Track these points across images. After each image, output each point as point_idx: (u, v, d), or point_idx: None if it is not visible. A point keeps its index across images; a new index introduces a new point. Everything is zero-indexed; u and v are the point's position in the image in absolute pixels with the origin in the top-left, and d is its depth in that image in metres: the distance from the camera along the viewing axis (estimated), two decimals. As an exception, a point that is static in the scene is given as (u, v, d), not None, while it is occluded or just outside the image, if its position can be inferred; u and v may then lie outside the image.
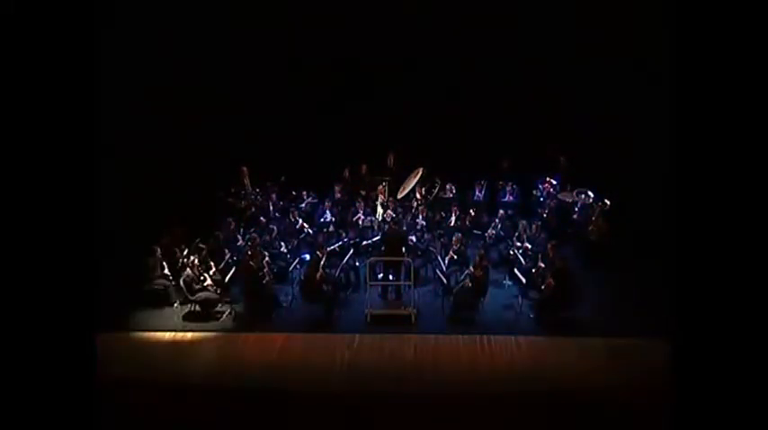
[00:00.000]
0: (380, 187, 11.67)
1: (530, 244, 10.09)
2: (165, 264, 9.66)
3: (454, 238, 9.95)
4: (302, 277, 9.48)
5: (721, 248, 4.65)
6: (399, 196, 11.63)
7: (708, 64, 4.76)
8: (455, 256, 9.76)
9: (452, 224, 10.89)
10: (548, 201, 11.50)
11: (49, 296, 4.53)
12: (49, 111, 4.62)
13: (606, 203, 10.75)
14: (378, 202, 11.41)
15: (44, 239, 4.54)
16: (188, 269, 9.30)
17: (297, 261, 10.01)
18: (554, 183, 11.65)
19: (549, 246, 9.46)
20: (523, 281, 9.32)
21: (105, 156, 6.16)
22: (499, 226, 10.67)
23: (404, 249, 9.73)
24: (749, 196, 4.62)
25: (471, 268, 9.14)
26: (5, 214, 4.46)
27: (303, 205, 11.44)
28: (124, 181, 10.10)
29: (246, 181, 11.81)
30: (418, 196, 11.47)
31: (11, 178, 4.50)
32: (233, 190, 11.58)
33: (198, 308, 9.28)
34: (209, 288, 9.28)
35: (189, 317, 9.26)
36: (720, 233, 4.66)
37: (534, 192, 11.78)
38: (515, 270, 9.54)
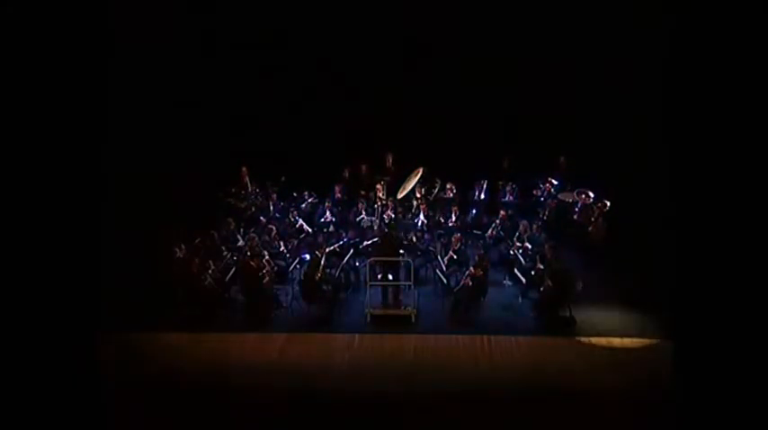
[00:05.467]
0: (379, 186, 11.67)
1: (530, 244, 10.09)
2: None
3: (454, 238, 9.97)
4: (302, 277, 9.48)
5: (721, 248, 4.66)
6: (399, 196, 11.61)
7: (707, 65, 4.77)
8: (455, 256, 9.77)
9: (452, 224, 10.89)
10: (548, 201, 11.52)
11: (52, 297, 4.54)
12: (52, 115, 4.64)
13: (606, 204, 10.76)
14: (377, 203, 11.39)
15: (47, 241, 4.55)
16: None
17: (297, 261, 10.00)
18: (554, 183, 11.65)
19: (546, 246, 9.47)
20: (523, 281, 9.32)
21: (107, 158, 6.15)
22: (499, 226, 10.67)
23: (400, 250, 9.70)
24: (748, 197, 4.63)
25: (471, 268, 9.15)
26: (9, 216, 4.47)
27: (303, 205, 11.44)
28: (125, 181, 10.07)
29: (246, 181, 11.81)
30: (418, 196, 11.47)
31: (13, 180, 4.51)
32: (233, 190, 11.57)
33: (198, 307, 9.27)
34: (210, 288, 9.27)
35: (189, 316, 9.26)
36: (720, 233, 4.67)
37: (534, 192, 11.79)
38: (515, 270, 9.55)
